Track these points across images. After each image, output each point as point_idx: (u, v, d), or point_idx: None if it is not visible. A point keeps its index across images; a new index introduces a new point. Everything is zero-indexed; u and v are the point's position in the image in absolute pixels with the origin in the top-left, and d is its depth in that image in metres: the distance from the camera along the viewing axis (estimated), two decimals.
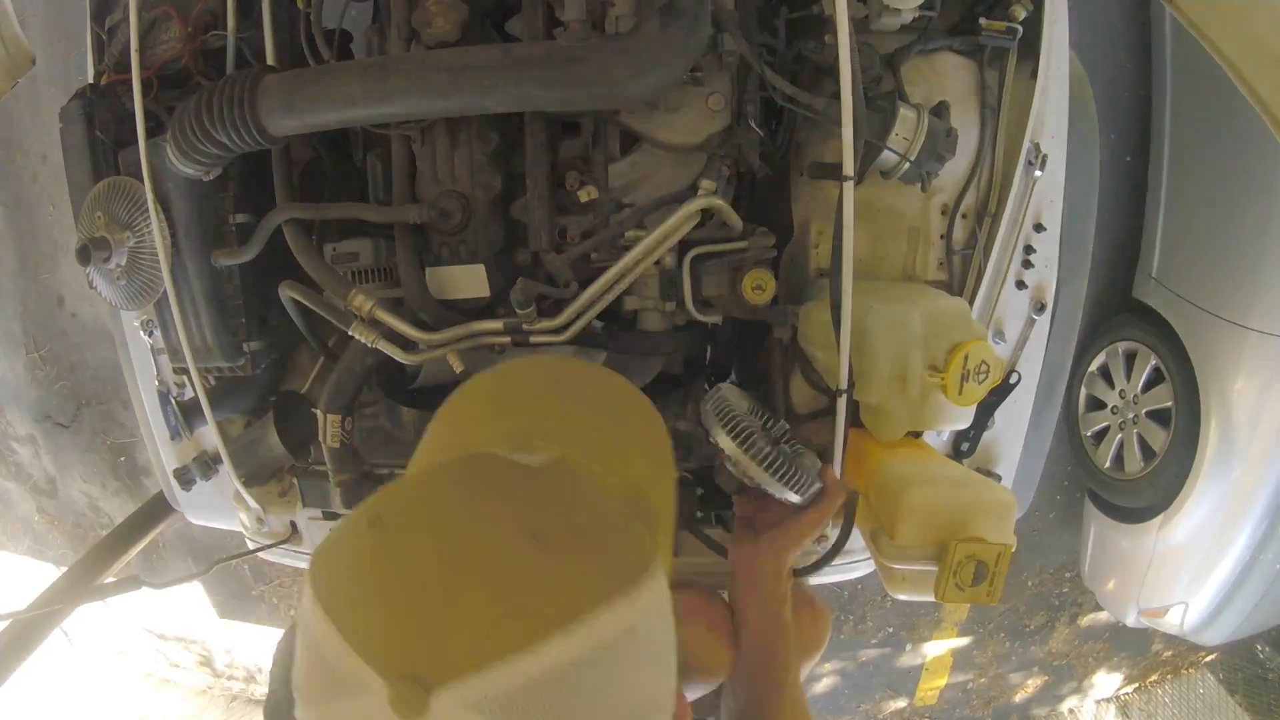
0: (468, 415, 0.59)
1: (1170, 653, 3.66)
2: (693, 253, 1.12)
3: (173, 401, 1.44)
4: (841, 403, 1.04)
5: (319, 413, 1.17)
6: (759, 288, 1.11)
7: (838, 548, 1.09)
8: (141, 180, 1.17)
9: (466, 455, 0.49)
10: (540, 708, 0.37)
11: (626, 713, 0.41)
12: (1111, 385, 2.75)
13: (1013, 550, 0.92)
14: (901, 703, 3.71)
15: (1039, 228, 1.21)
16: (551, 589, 0.40)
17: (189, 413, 1.42)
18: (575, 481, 0.49)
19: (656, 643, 0.44)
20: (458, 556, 0.40)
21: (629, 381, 0.63)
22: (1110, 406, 2.75)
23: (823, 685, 3.60)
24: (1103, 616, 3.40)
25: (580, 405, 0.59)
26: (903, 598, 1.02)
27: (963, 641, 3.54)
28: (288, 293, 1.15)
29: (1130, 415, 2.66)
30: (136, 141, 1.16)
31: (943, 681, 3.66)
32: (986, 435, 1.27)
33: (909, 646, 3.52)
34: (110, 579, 1.99)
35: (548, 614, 0.39)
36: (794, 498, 0.96)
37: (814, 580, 1.30)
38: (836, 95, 0.97)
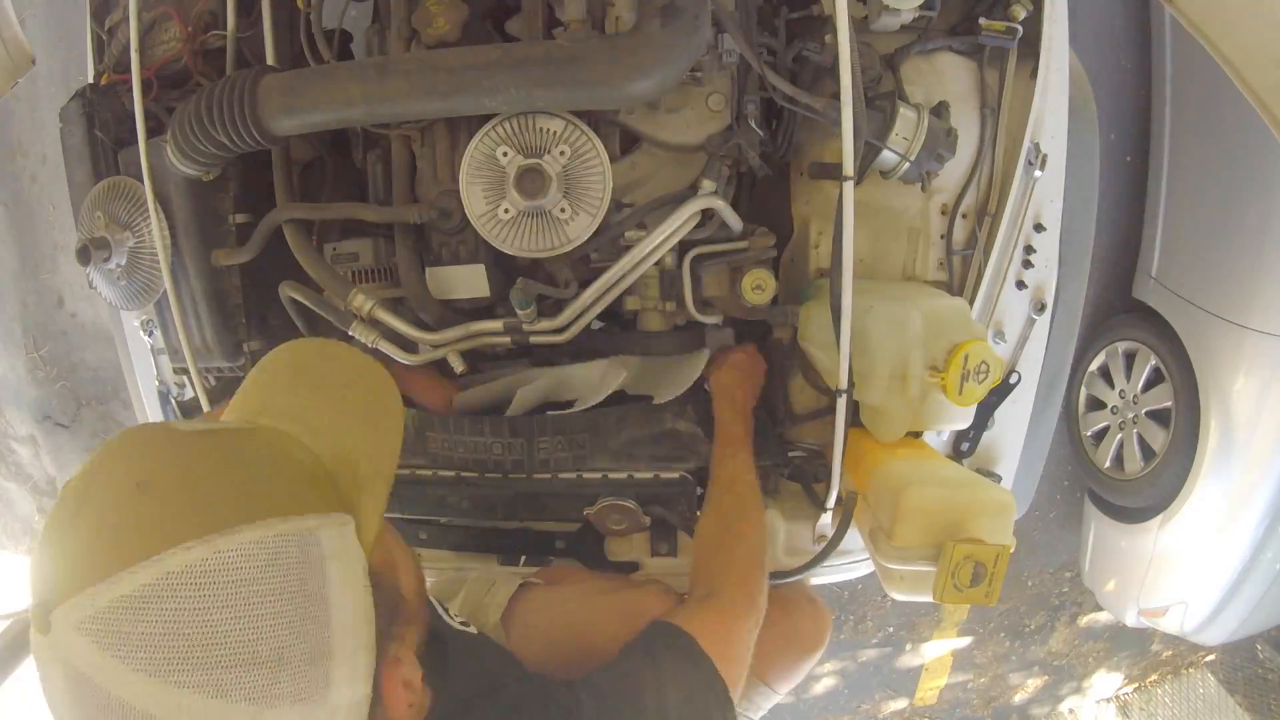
0: (246, 387, 0.69)
1: (1170, 653, 3.66)
2: (693, 253, 1.12)
3: (173, 401, 1.44)
4: (841, 403, 1.04)
5: None
6: (759, 288, 1.11)
7: (833, 546, 1.09)
8: (141, 180, 1.17)
9: (133, 428, 0.60)
10: (133, 621, 0.47)
11: (210, 641, 0.47)
12: (1111, 385, 2.74)
13: (1011, 551, 0.91)
14: (901, 703, 3.71)
15: (1039, 228, 1.21)
16: (138, 528, 0.49)
17: (189, 413, 1.43)
18: (236, 444, 0.57)
19: (253, 585, 0.49)
20: (79, 504, 0.52)
21: (373, 363, 0.71)
22: (1110, 406, 2.75)
23: (823, 685, 3.60)
24: (1103, 616, 3.40)
25: (305, 385, 0.68)
26: (901, 598, 1.02)
27: (963, 641, 3.54)
28: (288, 293, 1.15)
29: (1130, 415, 2.66)
30: (136, 141, 1.16)
31: (943, 681, 3.66)
32: (986, 435, 1.27)
33: (909, 646, 3.52)
34: None
35: (129, 548, 0.48)
36: None
37: (814, 580, 1.30)
38: (836, 95, 0.97)
